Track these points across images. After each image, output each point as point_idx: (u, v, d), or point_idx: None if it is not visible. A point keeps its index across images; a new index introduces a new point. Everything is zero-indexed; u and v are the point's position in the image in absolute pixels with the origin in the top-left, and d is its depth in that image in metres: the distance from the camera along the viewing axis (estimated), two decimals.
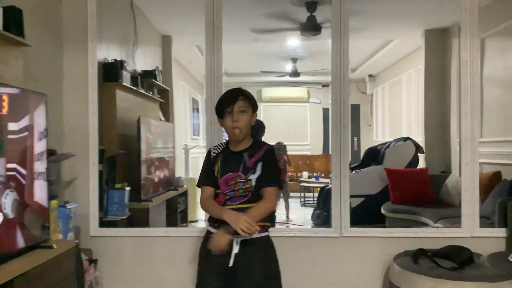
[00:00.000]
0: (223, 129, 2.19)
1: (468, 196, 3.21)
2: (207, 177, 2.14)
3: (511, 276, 2.60)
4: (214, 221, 2.11)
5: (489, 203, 3.64)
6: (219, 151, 2.13)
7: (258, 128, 4.19)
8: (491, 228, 3.30)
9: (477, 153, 3.22)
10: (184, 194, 5.10)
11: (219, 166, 2.09)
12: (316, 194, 7.40)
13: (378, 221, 4.68)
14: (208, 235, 2.13)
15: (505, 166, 4.03)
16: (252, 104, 2.10)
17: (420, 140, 5.79)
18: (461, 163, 3.27)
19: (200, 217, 5.71)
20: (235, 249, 2.00)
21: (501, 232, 3.19)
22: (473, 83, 3.22)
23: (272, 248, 2.12)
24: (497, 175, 3.98)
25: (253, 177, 2.05)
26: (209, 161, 2.13)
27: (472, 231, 3.20)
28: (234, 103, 2.04)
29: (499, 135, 4.24)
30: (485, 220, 3.43)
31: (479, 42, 3.24)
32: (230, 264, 2.00)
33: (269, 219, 2.14)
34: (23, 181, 2.28)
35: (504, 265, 2.81)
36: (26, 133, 2.28)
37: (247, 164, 2.06)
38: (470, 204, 3.21)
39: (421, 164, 5.52)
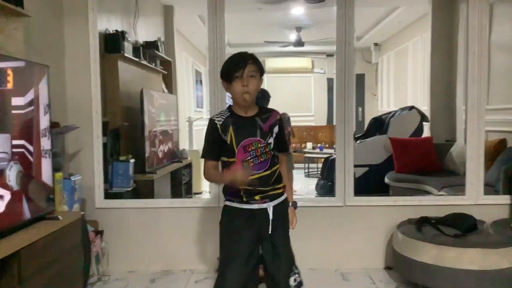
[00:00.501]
0: (228, 95, 2.12)
1: (473, 164, 3.21)
2: (212, 149, 2.04)
3: None
4: (230, 195, 2.05)
5: (494, 170, 3.63)
6: (224, 118, 2.02)
7: (263, 97, 4.16)
8: (495, 195, 3.30)
9: (483, 121, 3.19)
10: (189, 166, 5.12)
11: (231, 133, 1.99)
12: (320, 165, 7.41)
13: (382, 190, 4.69)
14: (229, 210, 2.07)
15: (511, 134, 3.99)
16: (259, 68, 2.03)
17: (426, 108, 5.72)
18: (467, 131, 3.25)
19: (204, 189, 5.76)
20: (271, 215, 2.02)
21: (505, 199, 3.21)
22: (480, 49, 3.17)
23: (287, 204, 2.16)
24: (502, 143, 3.95)
25: (272, 140, 2.03)
26: (213, 131, 2.02)
27: (476, 198, 3.21)
28: (244, 67, 1.96)
29: (505, 102, 4.19)
30: (490, 188, 3.43)
31: (487, 7, 3.17)
32: (270, 231, 2.02)
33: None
34: (31, 158, 2.29)
35: (507, 231, 2.83)
36: (32, 107, 2.26)
37: (264, 128, 2.02)
38: (475, 172, 3.21)
39: (426, 133, 5.49)
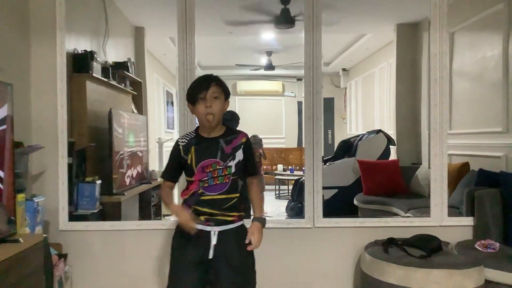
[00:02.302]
0: (195, 118, 2.14)
1: (437, 187, 3.29)
2: (171, 170, 2.11)
3: (478, 264, 2.68)
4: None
5: (457, 193, 3.72)
6: (188, 140, 2.07)
7: (232, 119, 4.18)
8: (459, 217, 3.38)
9: (446, 144, 3.29)
10: (158, 187, 5.03)
11: (192, 153, 2.02)
12: (291, 187, 7.45)
13: (351, 212, 4.75)
14: (179, 227, 2.08)
15: (472, 158, 4.12)
16: (224, 90, 2.06)
17: (392, 132, 5.88)
18: (430, 155, 3.34)
19: None
20: (213, 240, 2.00)
21: (468, 221, 3.29)
22: (442, 75, 3.29)
23: (244, 231, 2.11)
24: (465, 166, 4.07)
25: (233, 164, 2.03)
26: (176, 153, 2.07)
27: (440, 220, 3.28)
28: (207, 89, 2.00)
29: (467, 127, 4.34)
30: (454, 210, 3.51)
31: (448, 36, 3.30)
32: (210, 256, 1.99)
33: (244, 209, 2.13)
34: (0, 186, 2.23)
35: (471, 252, 2.89)
36: (3, 126, 2.22)
37: (225, 150, 2.03)
38: (439, 194, 3.29)
39: (393, 156, 5.62)
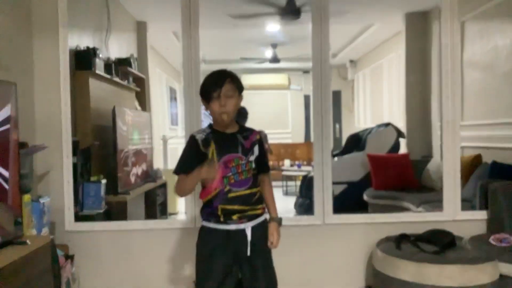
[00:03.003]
0: (206, 113, 2.11)
1: (450, 180, 3.22)
2: (190, 163, 1.96)
3: (492, 258, 2.63)
4: (208, 214, 2.01)
5: (470, 186, 3.67)
6: (205, 134, 2.00)
7: (241, 114, 4.13)
8: (472, 211, 3.32)
9: (459, 137, 3.22)
10: (163, 186, 4.99)
11: (213, 148, 1.97)
12: (298, 183, 7.38)
13: (361, 207, 4.69)
14: (205, 231, 2.03)
15: (485, 150, 4.06)
16: (238, 86, 2.02)
17: (402, 125, 5.80)
18: (443, 147, 3.27)
19: (180, 209, 5.64)
20: (249, 237, 1.97)
21: (482, 214, 3.23)
22: (453, 66, 3.22)
23: (267, 227, 2.11)
24: (477, 158, 4.01)
25: (253, 159, 2.01)
26: (193, 147, 1.98)
27: (453, 214, 3.22)
28: (221, 87, 1.95)
29: (479, 119, 4.27)
30: (467, 203, 3.45)
31: (459, 25, 3.23)
32: (248, 253, 1.97)
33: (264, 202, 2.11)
34: (6, 186, 2.20)
35: (485, 247, 2.84)
36: (7, 126, 2.18)
37: (245, 145, 2.00)
38: (452, 188, 3.22)
39: (403, 149, 5.54)
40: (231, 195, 1.95)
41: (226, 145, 1.98)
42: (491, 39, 4.12)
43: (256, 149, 2.03)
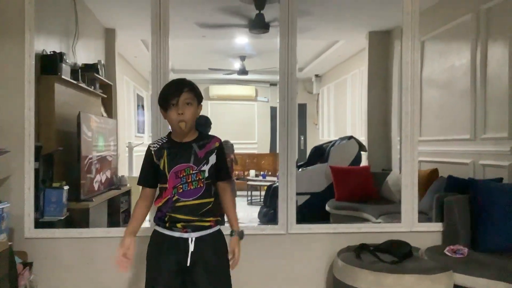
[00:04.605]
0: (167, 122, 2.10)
1: (408, 193, 3.34)
2: (147, 175, 2.05)
3: (447, 268, 2.73)
4: (158, 219, 2.02)
5: (427, 199, 3.79)
6: (160, 145, 2.02)
7: (205, 124, 4.15)
8: (429, 223, 3.44)
9: (417, 151, 3.35)
10: (127, 193, 4.94)
11: (165, 159, 1.98)
12: (263, 193, 7.43)
13: (323, 218, 4.77)
14: (155, 235, 2.05)
15: (442, 164, 4.22)
16: (197, 95, 2.02)
17: (363, 139, 5.97)
18: (402, 161, 3.39)
19: None
20: (191, 247, 1.96)
21: (438, 226, 3.35)
22: (413, 83, 3.35)
23: (223, 241, 2.09)
24: (434, 172, 4.16)
25: (206, 168, 1.99)
26: (149, 158, 2.02)
27: (411, 226, 3.32)
28: (179, 95, 1.95)
29: (436, 134, 4.44)
30: (423, 215, 3.57)
31: (419, 44, 3.38)
32: (188, 264, 1.95)
33: (219, 214, 2.09)
34: None
35: (440, 258, 2.94)
36: None
37: (199, 155, 1.99)
38: (410, 200, 3.34)
39: (364, 162, 5.69)
40: (178, 204, 1.96)
41: (179, 155, 1.99)
42: (448, 58, 4.32)
43: (212, 158, 2.01)
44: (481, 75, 3.76)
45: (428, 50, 4.59)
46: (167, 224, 1.98)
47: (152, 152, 2.01)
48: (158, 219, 2.03)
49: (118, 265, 2.00)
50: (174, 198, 1.97)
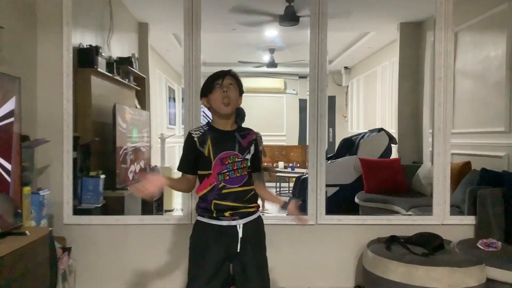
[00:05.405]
0: (205, 113, 2.15)
1: (440, 185, 3.31)
2: (188, 162, 2.03)
3: (479, 262, 2.71)
4: (202, 209, 2.02)
5: (459, 192, 3.74)
6: (202, 132, 2.03)
7: (239, 115, 4.19)
8: (461, 216, 3.40)
9: (449, 143, 3.31)
10: None
11: (209, 145, 1.99)
12: (291, 184, 7.46)
13: (352, 210, 4.76)
14: (199, 225, 2.05)
15: (475, 157, 4.14)
16: (238, 84, 2.09)
17: (394, 131, 5.90)
18: (433, 153, 3.36)
19: (176, 206, 5.69)
20: (240, 233, 1.99)
21: (470, 219, 3.31)
22: (446, 74, 3.31)
23: (263, 226, 2.13)
24: (467, 165, 4.09)
25: (249, 157, 2.04)
26: (190, 145, 2.01)
27: (442, 218, 3.30)
28: (224, 77, 2.04)
29: (469, 127, 4.36)
30: (455, 209, 3.53)
31: (453, 35, 3.32)
32: (238, 250, 1.99)
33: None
34: (8, 178, 2.24)
35: (473, 251, 2.92)
36: (8, 121, 2.23)
37: (242, 144, 2.03)
38: (441, 193, 3.31)
39: (394, 155, 5.63)
40: (224, 191, 1.97)
41: (223, 142, 2.01)
42: (483, 49, 4.22)
43: (252, 148, 2.06)
44: None
45: (462, 41, 4.49)
46: (214, 214, 1.99)
47: (195, 139, 2.00)
48: (203, 210, 2.02)
49: (134, 189, 1.92)
50: (220, 185, 1.98)
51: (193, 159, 2.01)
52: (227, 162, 1.98)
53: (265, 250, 2.11)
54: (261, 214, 2.12)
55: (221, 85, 2.02)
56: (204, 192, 2.00)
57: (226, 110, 2.01)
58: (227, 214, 1.98)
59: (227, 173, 1.98)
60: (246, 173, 2.02)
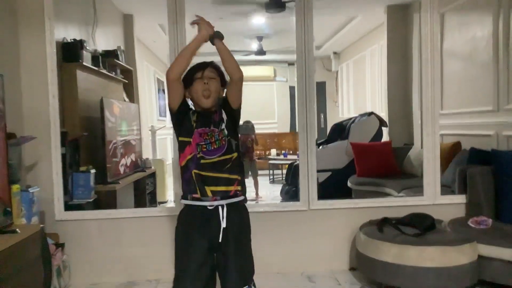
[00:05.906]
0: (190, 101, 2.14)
1: (430, 165, 3.34)
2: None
3: (471, 240, 2.74)
4: (185, 187, 2.04)
5: (450, 172, 3.77)
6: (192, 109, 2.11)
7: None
8: (452, 195, 3.43)
9: (438, 124, 3.33)
10: (152, 175, 5.05)
11: (195, 119, 2.04)
12: (284, 171, 7.48)
13: (345, 194, 4.79)
14: (183, 213, 2.07)
15: (464, 137, 4.17)
16: (220, 75, 2.10)
17: (384, 114, 5.91)
18: (423, 135, 3.37)
19: (169, 198, 5.70)
20: (223, 223, 1.99)
21: (461, 198, 3.35)
22: (433, 56, 3.31)
23: (248, 216, 2.13)
24: (457, 145, 4.12)
25: (224, 126, 2.06)
26: (186, 104, 2.07)
27: (433, 199, 3.33)
28: (204, 69, 2.05)
29: (458, 107, 4.38)
30: (446, 189, 3.56)
31: (438, 16, 3.32)
32: (220, 240, 1.99)
33: (242, 193, 2.09)
34: None
35: (464, 229, 2.95)
36: None
37: (215, 119, 2.06)
38: (432, 173, 3.33)
39: (385, 138, 5.66)
40: (203, 161, 2.00)
41: (204, 120, 2.05)
42: (469, 30, 4.22)
43: (223, 116, 2.07)
44: (503, 45, 3.67)
45: (448, 22, 4.49)
46: (196, 189, 1.99)
47: (190, 107, 2.08)
48: (186, 183, 2.04)
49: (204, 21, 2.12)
50: (199, 155, 2.01)
51: (183, 104, 2.05)
52: (205, 137, 2.02)
53: (249, 242, 2.10)
54: (244, 205, 2.11)
55: (201, 77, 2.03)
56: (186, 161, 2.03)
57: (207, 103, 2.04)
58: (208, 192, 1.98)
59: (205, 146, 2.02)
60: (224, 143, 2.04)
